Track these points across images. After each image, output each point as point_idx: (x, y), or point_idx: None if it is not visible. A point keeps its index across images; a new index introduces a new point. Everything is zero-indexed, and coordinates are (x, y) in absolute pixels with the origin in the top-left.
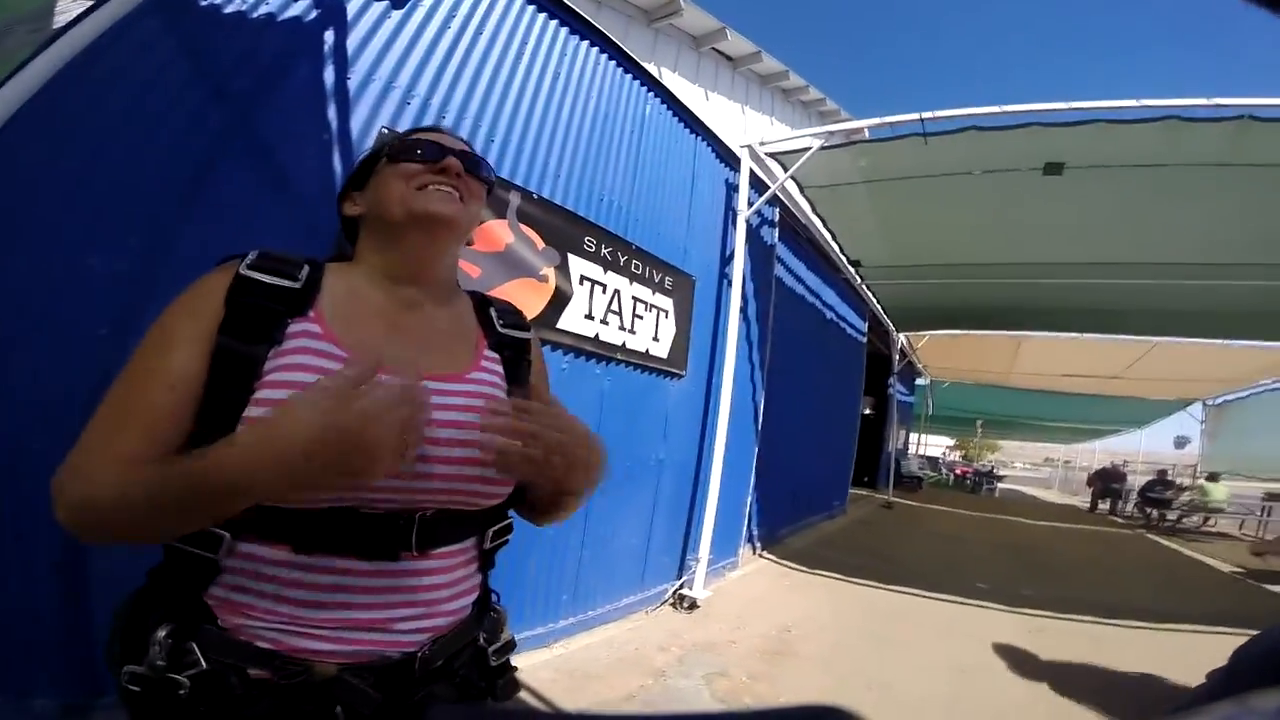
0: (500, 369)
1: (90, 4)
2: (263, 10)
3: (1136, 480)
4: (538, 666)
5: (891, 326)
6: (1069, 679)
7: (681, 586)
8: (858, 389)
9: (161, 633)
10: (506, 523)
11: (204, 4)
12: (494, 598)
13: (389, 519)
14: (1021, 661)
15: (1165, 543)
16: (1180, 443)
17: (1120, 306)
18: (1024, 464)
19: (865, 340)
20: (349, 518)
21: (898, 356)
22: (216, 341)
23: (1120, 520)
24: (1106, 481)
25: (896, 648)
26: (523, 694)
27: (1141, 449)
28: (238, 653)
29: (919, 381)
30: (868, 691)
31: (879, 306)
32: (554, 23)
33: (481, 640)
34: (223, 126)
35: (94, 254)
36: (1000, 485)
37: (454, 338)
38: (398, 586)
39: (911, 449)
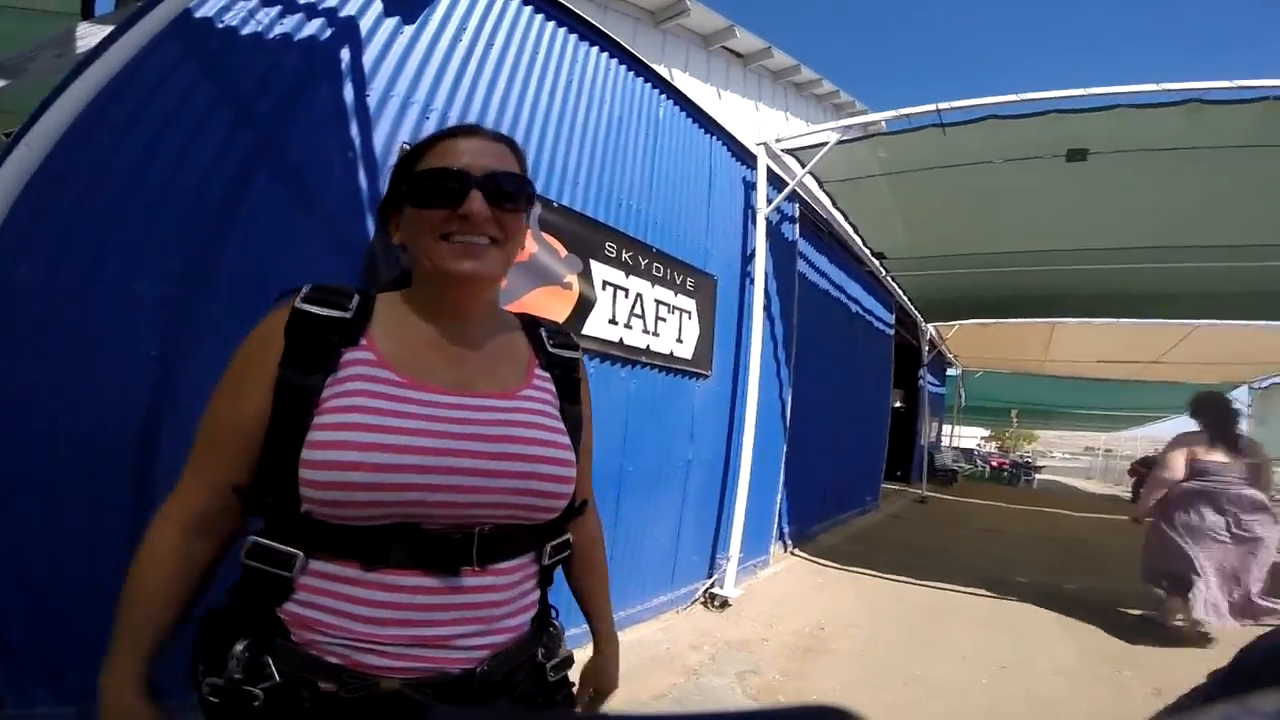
0: (552, 387)
1: (109, 28)
2: (279, 31)
3: None
4: (572, 669)
5: (920, 317)
6: (1113, 673)
7: (712, 585)
8: (887, 382)
9: (239, 646)
10: (565, 538)
11: (221, 26)
12: (553, 614)
13: (448, 535)
14: (1063, 656)
15: None
16: None
17: (1156, 290)
18: (1063, 454)
19: (893, 332)
20: (411, 533)
21: (927, 348)
22: (278, 375)
23: None
24: (1150, 470)
25: (933, 644)
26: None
27: None
28: (308, 666)
29: (950, 372)
30: (904, 688)
31: (906, 298)
32: (562, 30)
33: (540, 656)
34: (251, 147)
35: (138, 279)
36: (1038, 476)
37: (505, 358)
38: (459, 603)
39: (945, 441)
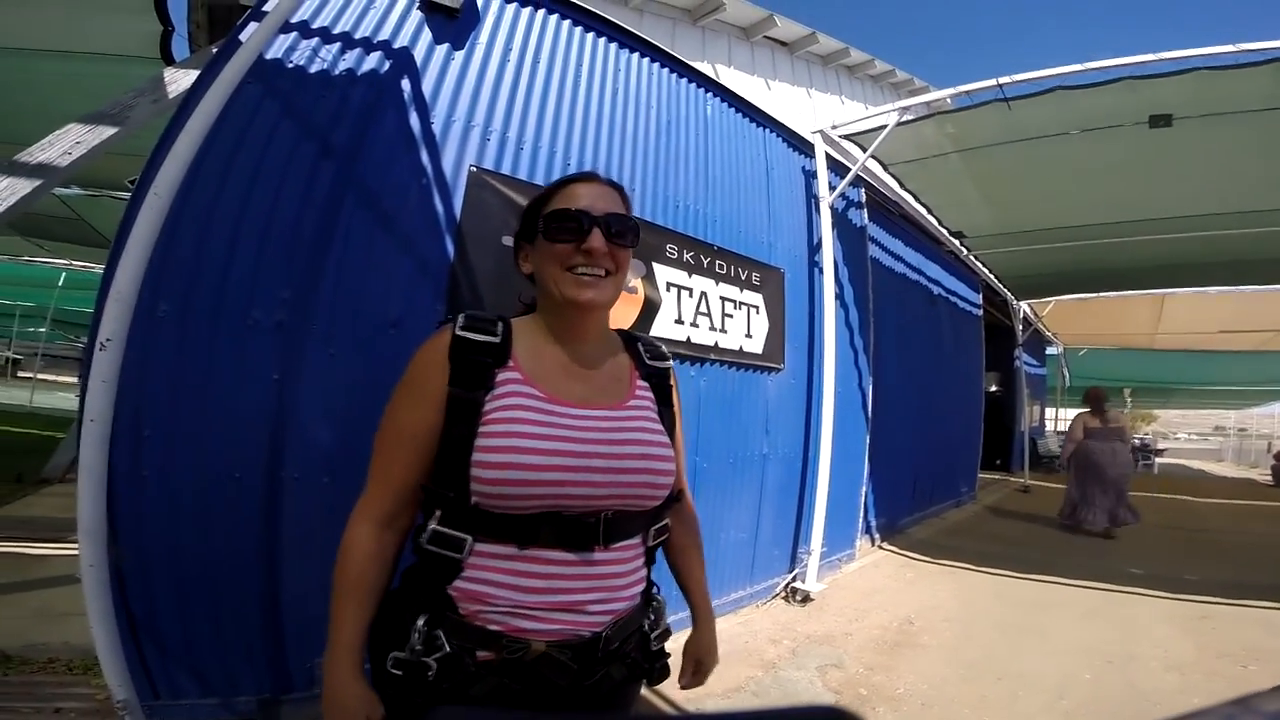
0: (650, 395)
1: (194, 72)
2: (343, 66)
3: None
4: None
5: (1010, 296)
6: (1234, 669)
7: (794, 580)
8: (978, 365)
9: (420, 622)
10: (665, 523)
11: (291, 66)
12: (655, 589)
13: (582, 519)
14: (1178, 651)
15: None
16: None
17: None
18: (1188, 434)
19: (981, 313)
20: (555, 519)
21: (1021, 327)
22: (448, 392)
23: None
24: None
25: (1033, 638)
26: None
27: None
28: (472, 637)
29: (1050, 351)
30: (997, 682)
31: (993, 276)
32: (602, 40)
33: (646, 626)
34: (335, 178)
35: (255, 308)
36: (1159, 460)
37: (614, 374)
38: (591, 574)
39: (1049, 425)
